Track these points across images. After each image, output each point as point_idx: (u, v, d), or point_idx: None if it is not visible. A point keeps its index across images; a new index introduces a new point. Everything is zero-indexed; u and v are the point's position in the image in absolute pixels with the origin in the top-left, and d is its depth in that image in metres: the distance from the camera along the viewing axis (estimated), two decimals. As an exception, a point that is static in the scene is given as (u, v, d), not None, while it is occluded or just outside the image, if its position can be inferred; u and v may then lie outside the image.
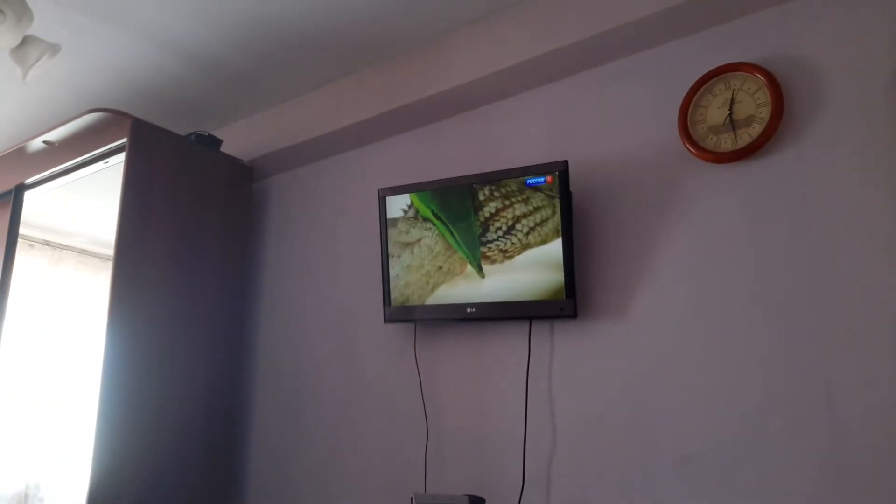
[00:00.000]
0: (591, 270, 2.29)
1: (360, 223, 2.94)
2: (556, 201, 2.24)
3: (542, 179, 2.26)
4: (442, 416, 2.52)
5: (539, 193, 2.28)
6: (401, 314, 2.54)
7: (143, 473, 2.59)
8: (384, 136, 2.96)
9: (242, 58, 2.84)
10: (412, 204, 2.54)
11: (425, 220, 2.51)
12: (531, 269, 2.27)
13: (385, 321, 2.57)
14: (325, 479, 2.79)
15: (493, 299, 2.34)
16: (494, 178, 2.36)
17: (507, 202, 2.34)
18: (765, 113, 1.99)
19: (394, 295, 2.55)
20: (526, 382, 2.33)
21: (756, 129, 2.00)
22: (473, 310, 2.37)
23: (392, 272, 2.56)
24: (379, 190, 2.61)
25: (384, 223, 2.59)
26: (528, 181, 2.29)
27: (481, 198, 2.39)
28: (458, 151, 2.72)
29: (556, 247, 2.23)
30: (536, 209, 2.28)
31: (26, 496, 3.12)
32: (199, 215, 2.94)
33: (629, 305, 2.19)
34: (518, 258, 2.30)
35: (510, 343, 2.41)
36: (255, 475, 3.02)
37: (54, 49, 2.20)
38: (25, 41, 2.16)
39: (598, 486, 2.12)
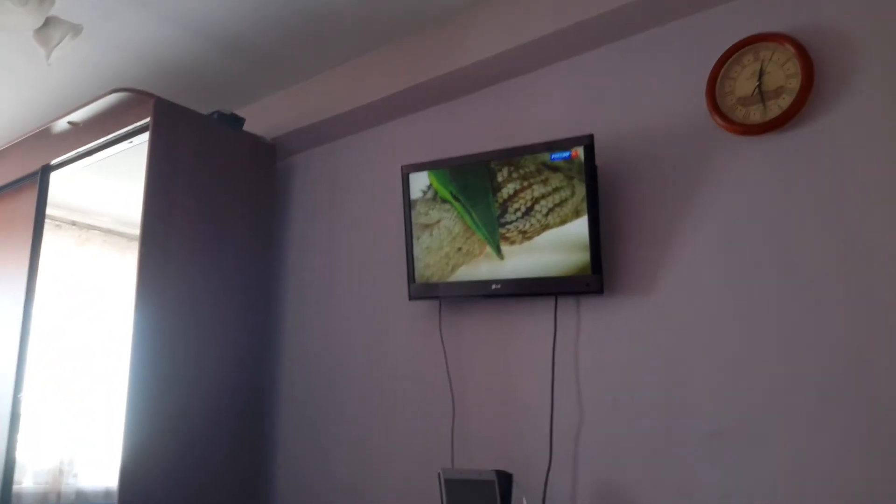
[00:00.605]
0: (618, 246, 2.27)
1: (383, 200, 2.94)
2: (576, 182, 2.21)
3: (567, 154, 2.23)
4: (468, 392, 2.52)
5: (558, 174, 2.26)
6: (425, 291, 2.54)
7: (173, 448, 2.63)
8: (407, 112, 2.95)
9: (264, 36, 2.83)
10: (431, 185, 2.53)
11: (444, 201, 2.50)
12: (551, 251, 2.26)
13: (410, 298, 2.57)
14: (353, 454, 2.81)
15: (517, 276, 2.32)
16: (519, 153, 2.34)
17: (525, 183, 2.32)
18: (794, 84, 1.96)
19: (418, 272, 2.55)
20: (552, 359, 2.33)
21: (786, 101, 1.97)
22: (498, 286, 2.36)
23: (415, 252, 2.56)
24: (402, 167, 2.60)
25: (408, 200, 2.58)
26: (553, 156, 2.27)
27: (500, 179, 2.38)
28: (481, 127, 2.70)
29: (575, 227, 2.21)
30: (556, 190, 2.26)
31: (60, 472, 3.18)
32: (223, 194, 2.95)
33: (656, 281, 2.17)
34: (537, 239, 2.29)
35: (536, 320, 2.40)
36: (283, 452, 3.05)
37: (76, 29, 2.20)
38: (48, 22, 2.16)
39: (627, 462, 2.12)
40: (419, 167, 2.55)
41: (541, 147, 2.29)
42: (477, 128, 2.71)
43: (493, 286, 2.37)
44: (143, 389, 2.56)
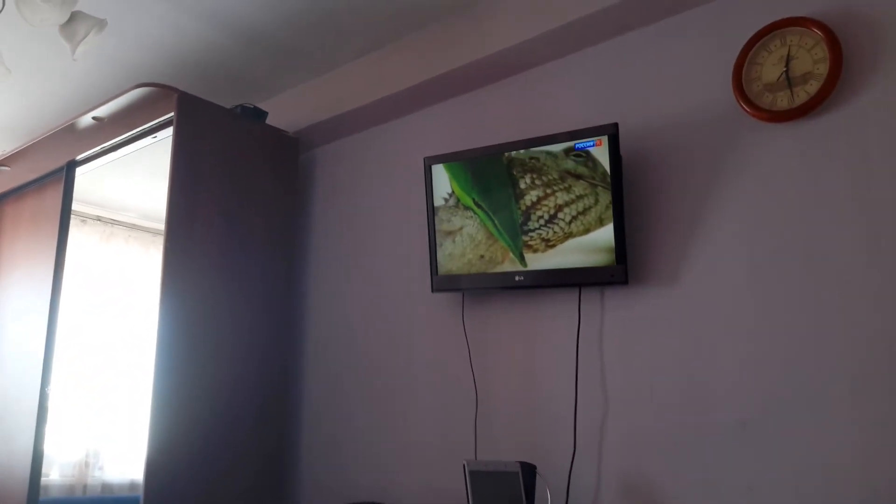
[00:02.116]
0: (642, 236, 2.25)
1: (406, 192, 2.93)
2: (599, 189, 2.19)
3: (592, 143, 2.21)
4: (491, 384, 2.51)
5: (581, 182, 2.24)
6: (448, 283, 2.54)
7: (198, 441, 2.64)
8: (429, 103, 2.94)
9: (286, 29, 2.83)
10: (453, 192, 2.53)
11: (466, 208, 2.49)
12: (574, 256, 2.25)
13: (433, 290, 2.57)
14: (376, 445, 2.81)
15: (540, 267, 2.31)
16: (542, 143, 2.32)
17: (549, 190, 2.31)
18: (822, 69, 1.93)
19: (440, 265, 2.54)
20: (576, 350, 2.31)
21: (813, 87, 1.94)
22: (521, 278, 2.35)
23: (438, 254, 2.55)
24: (424, 158, 2.59)
25: (430, 191, 2.57)
26: (577, 145, 2.25)
27: (522, 186, 2.36)
28: (504, 117, 2.69)
29: (599, 235, 2.19)
30: (579, 197, 2.24)
31: (86, 464, 3.21)
32: (247, 188, 2.96)
33: (682, 271, 2.15)
34: (560, 247, 2.28)
35: (559, 311, 2.39)
36: (306, 443, 3.06)
37: (101, 24, 2.21)
38: (73, 17, 2.17)
39: (651, 453, 2.10)
40: (441, 159, 2.55)
41: (564, 136, 2.28)
42: (500, 118, 2.70)
43: (517, 278, 2.36)
44: (169, 383, 2.58)
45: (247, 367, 2.85)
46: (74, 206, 3.27)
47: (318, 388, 3.08)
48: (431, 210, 2.57)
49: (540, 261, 2.32)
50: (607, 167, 2.18)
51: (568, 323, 2.36)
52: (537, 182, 2.34)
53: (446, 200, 2.55)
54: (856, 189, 1.88)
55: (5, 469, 3.09)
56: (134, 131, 2.96)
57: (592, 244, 2.21)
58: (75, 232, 3.28)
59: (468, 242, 2.49)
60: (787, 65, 1.99)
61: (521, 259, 2.36)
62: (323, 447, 2.99)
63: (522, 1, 2.52)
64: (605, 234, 2.19)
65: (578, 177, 2.25)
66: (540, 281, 2.32)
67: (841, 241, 1.88)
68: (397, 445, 2.74)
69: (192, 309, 2.69)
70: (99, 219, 3.52)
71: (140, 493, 2.52)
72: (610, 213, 2.18)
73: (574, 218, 2.25)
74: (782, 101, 1.99)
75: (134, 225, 3.60)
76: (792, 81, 1.98)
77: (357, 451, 2.87)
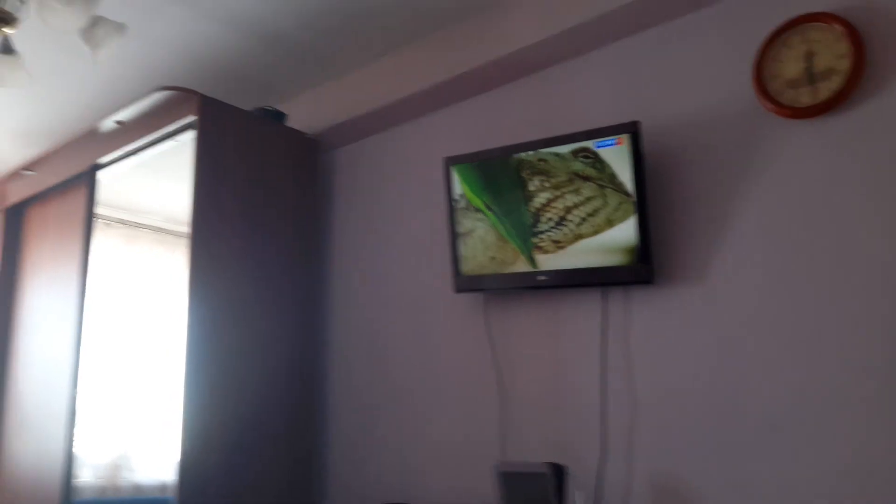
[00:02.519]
0: (666, 234, 2.25)
1: (426, 192, 2.94)
2: (608, 191, 2.20)
3: (612, 142, 2.21)
4: (515, 384, 2.52)
5: (589, 183, 2.24)
6: (471, 283, 2.54)
7: (228, 443, 2.67)
8: (448, 103, 2.94)
9: (305, 30, 2.84)
10: (463, 194, 2.53)
11: (477, 210, 2.50)
12: (586, 259, 2.26)
13: (455, 291, 2.57)
14: (402, 447, 2.82)
15: (563, 267, 2.31)
16: (562, 142, 2.32)
17: (557, 192, 2.31)
18: (845, 65, 1.91)
19: (462, 266, 2.55)
20: (602, 350, 2.31)
21: (836, 82, 1.92)
22: (545, 278, 2.35)
23: (459, 254, 2.57)
24: (445, 158, 2.60)
25: (450, 191, 2.58)
26: (597, 144, 2.24)
27: (532, 188, 2.37)
28: (523, 117, 2.69)
29: (610, 236, 2.20)
30: (587, 199, 2.25)
31: (117, 465, 3.26)
32: (268, 190, 2.98)
33: (708, 270, 2.14)
34: (570, 248, 2.29)
35: (584, 310, 2.39)
36: (333, 444, 3.08)
37: (121, 28, 2.23)
38: (93, 21, 2.19)
39: (682, 455, 2.10)
40: (462, 159, 2.55)
41: (582, 136, 2.27)
42: (519, 117, 2.70)
43: (540, 277, 2.36)
44: (198, 385, 2.62)
45: (273, 368, 2.88)
46: (98, 210, 3.30)
47: (343, 390, 3.10)
48: (451, 210, 2.58)
49: (551, 262, 2.33)
50: (625, 166, 2.18)
51: (592, 322, 2.36)
52: (546, 184, 2.34)
53: (457, 202, 2.56)
54: (880, 184, 1.86)
55: (39, 471, 3.14)
56: (156, 134, 2.98)
57: (604, 245, 2.21)
58: (100, 235, 3.31)
59: (479, 245, 2.50)
60: (808, 61, 1.98)
61: (532, 261, 2.36)
62: (350, 449, 3.01)
63: (537, 2, 2.52)
64: (617, 234, 2.19)
65: (586, 178, 2.25)
66: (564, 280, 2.32)
67: (867, 237, 1.87)
68: (423, 446, 2.76)
69: (219, 311, 2.73)
70: (123, 222, 3.55)
71: (171, 494, 2.56)
72: (620, 213, 2.19)
73: (583, 220, 2.26)
74: (805, 98, 1.98)
75: (159, 228, 3.63)
76: (814, 77, 1.96)
77: (383, 452, 2.88)
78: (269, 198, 2.98)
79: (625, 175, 2.19)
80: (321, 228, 3.32)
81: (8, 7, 2.07)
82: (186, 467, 2.54)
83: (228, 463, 2.66)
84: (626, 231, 2.18)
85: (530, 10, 2.54)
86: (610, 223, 2.20)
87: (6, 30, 2.10)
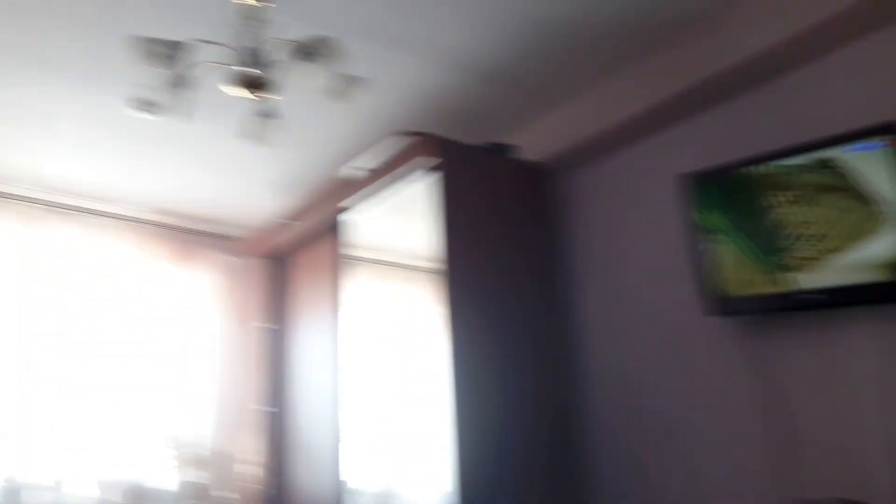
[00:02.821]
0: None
1: (663, 211, 2.82)
2: (853, 202, 1.98)
3: (877, 145, 1.98)
4: (782, 414, 2.34)
5: (833, 194, 2.04)
6: (723, 306, 2.39)
7: (498, 478, 2.69)
8: (678, 119, 2.84)
9: (524, 62, 2.89)
10: (702, 211, 2.40)
11: (711, 231, 2.35)
12: (839, 277, 2.05)
13: (706, 314, 2.43)
14: (665, 482, 2.71)
15: (832, 284, 2.09)
16: (815, 148, 2.13)
17: (797, 207, 2.12)
18: None
19: (711, 288, 2.41)
20: (881, 374, 2.07)
21: None
22: (811, 296, 2.14)
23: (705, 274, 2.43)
24: (680, 176, 2.48)
25: (689, 210, 2.45)
26: (850, 148, 2.02)
27: (771, 202, 2.20)
28: (761, 127, 2.51)
29: (866, 250, 1.99)
30: (836, 211, 2.03)
31: (387, 495, 3.41)
32: (507, 222, 3.04)
33: None
34: (820, 264, 2.09)
35: (854, 331, 2.15)
36: (597, 479, 2.99)
37: (360, 82, 2.36)
38: (336, 78, 2.33)
39: None
40: (699, 176, 2.42)
41: (840, 139, 2.07)
42: (756, 128, 2.54)
43: (804, 296, 2.15)
44: (465, 420, 2.66)
45: (533, 404, 2.89)
46: (351, 251, 3.50)
47: (599, 426, 3.00)
48: (692, 231, 2.45)
49: (808, 281, 2.14)
50: (883, 171, 1.94)
51: (865, 343, 2.12)
52: (786, 198, 2.15)
53: (697, 220, 2.43)
54: None
55: (315, 498, 3.36)
56: (396, 177, 3.12)
57: (861, 260, 1.97)
58: (353, 274, 3.51)
59: (726, 263, 2.35)
60: None
61: (786, 280, 2.18)
62: (614, 484, 2.91)
63: (766, 4, 2.33)
64: (873, 248, 1.96)
65: (830, 189, 2.03)
66: (834, 299, 2.10)
67: None
68: (688, 481, 2.62)
69: (477, 346, 2.79)
70: (370, 260, 3.73)
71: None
72: (872, 225, 1.95)
73: (826, 234, 2.04)
74: None
75: (404, 265, 3.79)
76: None
77: (648, 488, 2.77)
78: (509, 230, 3.04)
79: (882, 182, 1.95)
80: (561, 258, 3.28)
81: (263, 73, 2.26)
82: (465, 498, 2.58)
83: (498, 494, 2.67)
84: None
85: (762, 9, 2.37)
86: (860, 236, 1.98)
87: (263, 95, 2.29)
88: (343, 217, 3.51)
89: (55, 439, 3.72)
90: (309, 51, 2.23)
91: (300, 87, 2.38)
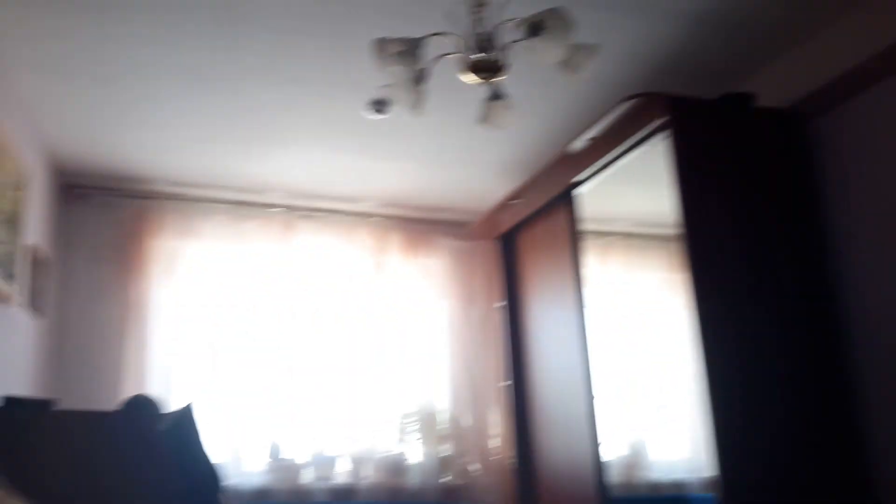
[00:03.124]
0: None
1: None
2: None
3: None
4: None
5: None
6: None
7: (763, 450, 2.57)
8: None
9: (756, 3, 2.73)
10: None
11: None
12: None
13: None
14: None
15: None
16: None
17: None
18: None
19: None
20: None
21: None
22: None
23: None
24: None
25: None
26: None
27: None
28: None
29: None
30: None
31: (633, 464, 3.41)
32: (751, 177, 2.85)
33: None
34: None
35: None
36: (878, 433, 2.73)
37: (595, 50, 2.33)
38: (570, 50, 2.31)
39: None
40: None
41: None
42: None
43: None
44: (719, 386, 2.55)
45: (794, 365, 2.70)
46: (581, 225, 3.49)
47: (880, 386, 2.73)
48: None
49: None
50: None
51: None
52: None
53: None
54: None
55: (572, 469, 3.38)
56: (626, 144, 3.05)
57: None
58: (587, 247, 3.50)
59: None
60: None
61: None
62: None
63: None
64: None
65: None
66: None
67: None
68: None
69: (725, 311, 2.66)
70: (597, 233, 3.69)
71: (684, 493, 2.69)
72: None
73: None
74: None
75: (629, 233, 3.72)
76: None
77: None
78: (754, 185, 2.84)
79: None
80: (818, 213, 2.96)
81: (498, 57, 2.29)
82: (726, 474, 2.49)
83: (767, 472, 2.54)
84: None
85: None
86: None
87: (497, 79, 2.32)
88: (575, 191, 3.50)
89: (313, 417, 4.15)
90: (540, 26, 2.22)
91: (525, 65, 2.38)
